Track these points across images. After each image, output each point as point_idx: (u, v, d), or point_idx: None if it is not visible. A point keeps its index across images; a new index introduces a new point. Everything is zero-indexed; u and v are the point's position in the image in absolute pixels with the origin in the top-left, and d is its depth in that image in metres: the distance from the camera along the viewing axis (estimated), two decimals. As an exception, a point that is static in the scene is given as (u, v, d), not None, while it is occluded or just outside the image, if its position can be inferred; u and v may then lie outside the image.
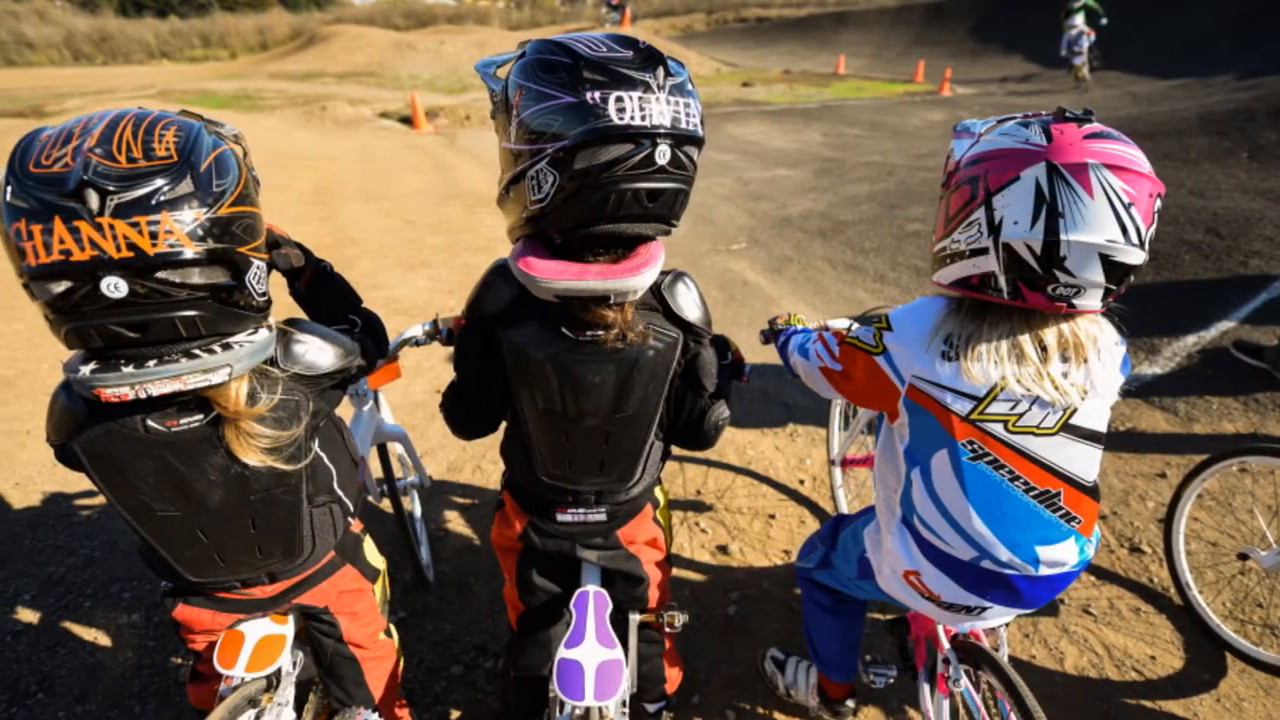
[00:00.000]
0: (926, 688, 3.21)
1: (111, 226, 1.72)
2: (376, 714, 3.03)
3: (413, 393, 7.23)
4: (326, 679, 2.97)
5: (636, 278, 2.23)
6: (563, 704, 2.53)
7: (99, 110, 1.95)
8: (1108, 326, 2.33)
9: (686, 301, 2.53)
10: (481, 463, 6.09)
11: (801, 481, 5.83)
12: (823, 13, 52.27)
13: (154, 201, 1.76)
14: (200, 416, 2.13)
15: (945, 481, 2.43)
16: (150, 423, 2.09)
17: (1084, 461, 2.36)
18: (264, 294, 2.16)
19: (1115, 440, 6.09)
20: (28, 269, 1.76)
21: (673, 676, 3.36)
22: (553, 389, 2.49)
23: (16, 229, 1.74)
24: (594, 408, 2.52)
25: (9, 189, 1.77)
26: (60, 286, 1.77)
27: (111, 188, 1.72)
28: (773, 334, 3.40)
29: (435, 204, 14.27)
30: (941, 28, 42.02)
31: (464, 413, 2.82)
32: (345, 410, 3.43)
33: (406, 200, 14.56)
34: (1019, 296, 2.16)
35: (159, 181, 1.78)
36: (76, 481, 5.69)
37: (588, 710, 2.54)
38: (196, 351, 1.99)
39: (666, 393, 2.60)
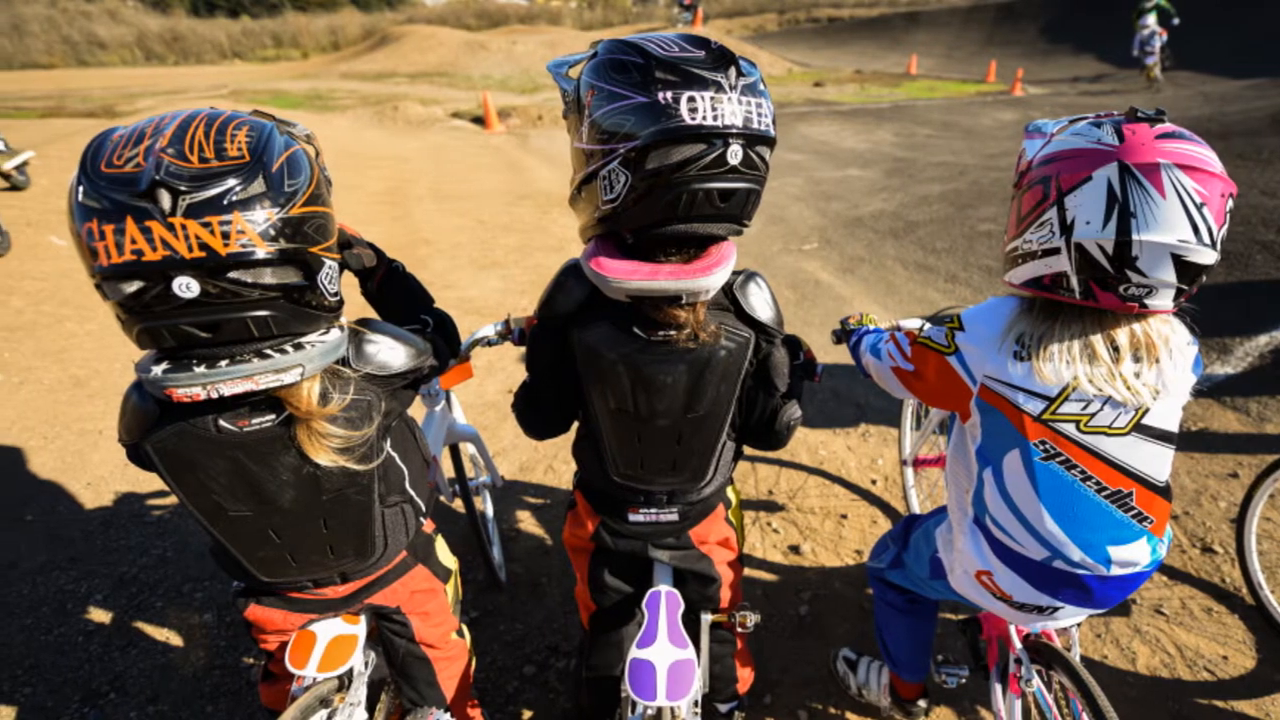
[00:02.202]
0: (998, 688, 3.19)
1: (184, 226, 1.73)
2: (448, 714, 3.03)
3: (485, 393, 7.27)
4: (398, 679, 2.98)
5: (708, 278, 2.23)
6: (635, 704, 2.53)
7: (171, 110, 1.97)
8: (1180, 326, 2.31)
9: (758, 301, 2.52)
10: (553, 463, 6.11)
11: (873, 481, 5.81)
12: (894, 13, 51.91)
13: (226, 201, 1.77)
14: (272, 416, 2.14)
15: (1017, 481, 2.42)
16: (222, 423, 2.10)
17: (1156, 461, 2.34)
18: (336, 294, 2.17)
19: (1187, 440, 6.03)
20: (100, 269, 1.77)
21: (745, 676, 3.34)
22: (624, 389, 2.48)
23: (88, 229, 1.75)
24: (666, 408, 2.52)
25: (81, 189, 1.78)
26: (132, 286, 1.78)
27: (183, 188, 1.73)
28: (844, 334, 3.40)
29: (507, 204, 14.32)
30: (1013, 28, 41.72)
31: (536, 413, 2.83)
32: (417, 410, 3.44)
33: (478, 200, 14.62)
34: (1091, 297, 2.15)
35: (231, 181, 1.79)
36: (148, 481, 5.76)
37: (660, 710, 2.53)
38: (268, 351, 2.00)
39: (738, 393, 2.59)
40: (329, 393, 2.18)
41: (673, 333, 2.36)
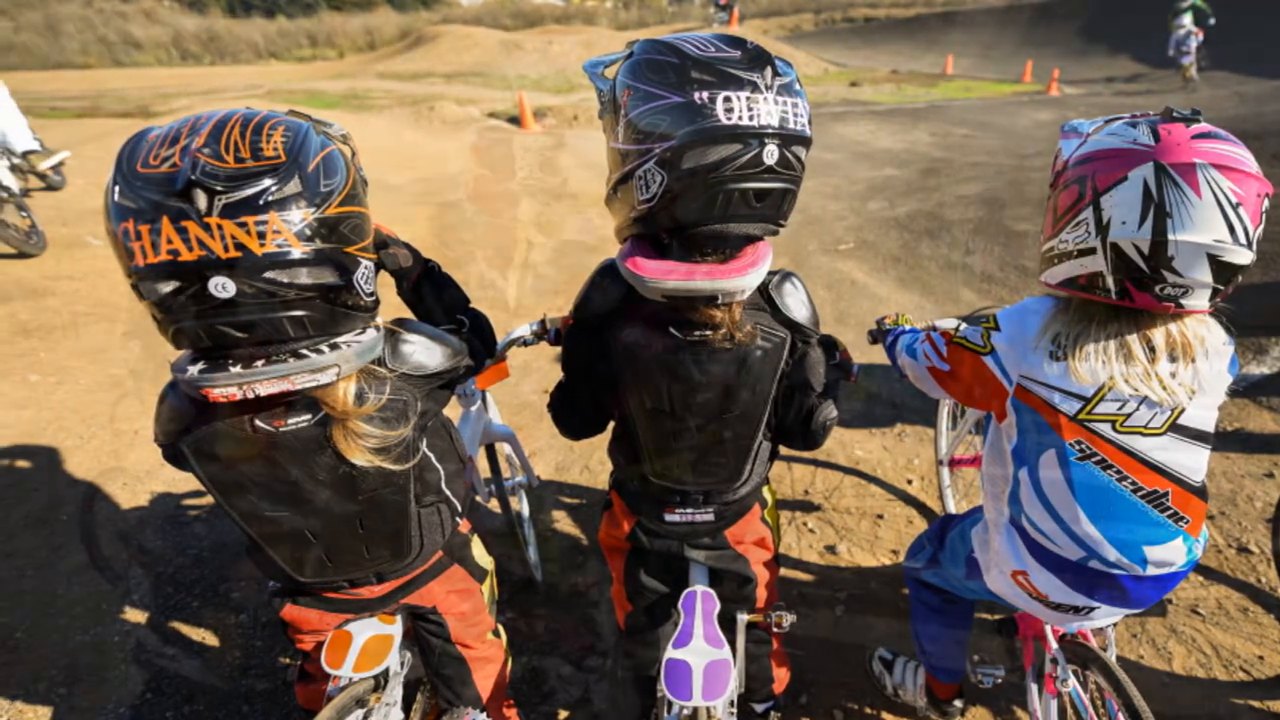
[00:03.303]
0: (1034, 688, 3.18)
1: (219, 227, 1.74)
2: (484, 714, 3.04)
3: (520, 393, 7.28)
4: (434, 679, 2.99)
5: (744, 278, 2.23)
6: (671, 704, 2.53)
7: (206, 110, 1.98)
8: (1216, 326, 2.31)
9: (794, 301, 2.52)
10: (589, 463, 6.13)
11: (909, 481, 5.80)
12: (930, 13, 51.53)
13: (262, 201, 1.78)
14: (308, 416, 2.15)
15: (1053, 481, 2.42)
16: (258, 422, 2.11)
17: (1192, 461, 2.34)
18: (372, 294, 2.18)
19: (1223, 440, 5.98)
20: (136, 269, 1.78)
21: (780, 676, 3.35)
22: (660, 389, 2.48)
23: (124, 229, 1.76)
24: (701, 408, 2.52)
25: (117, 189, 1.79)
26: (168, 286, 1.79)
27: (219, 188, 1.74)
28: (880, 334, 3.40)
29: (543, 204, 14.31)
30: (1049, 27, 41.47)
31: (572, 413, 2.84)
32: (453, 410, 3.45)
33: (514, 200, 14.59)
34: (1127, 296, 2.15)
35: (267, 181, 1.80)
36: (184, 482, 5.79)
37: (695, 710, 2.54)
38: (304, 351, 2.00)
39: (774, 393, 2.60)
40: (365, 393, 2.19)
41: (709, 333, 2.37)
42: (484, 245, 11.70)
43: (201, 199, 1.73)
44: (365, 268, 2.11)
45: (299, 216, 1.84)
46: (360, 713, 2.59)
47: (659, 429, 2.61)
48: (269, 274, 1.83)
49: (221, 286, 1.79)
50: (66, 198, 11.66)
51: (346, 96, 29.73)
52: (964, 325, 2.68)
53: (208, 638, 4.41)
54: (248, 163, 1.81)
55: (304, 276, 1.89)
